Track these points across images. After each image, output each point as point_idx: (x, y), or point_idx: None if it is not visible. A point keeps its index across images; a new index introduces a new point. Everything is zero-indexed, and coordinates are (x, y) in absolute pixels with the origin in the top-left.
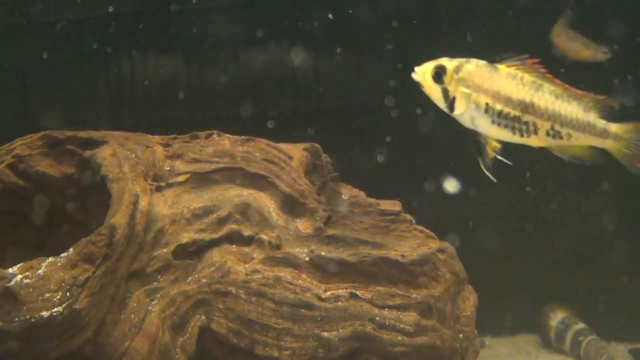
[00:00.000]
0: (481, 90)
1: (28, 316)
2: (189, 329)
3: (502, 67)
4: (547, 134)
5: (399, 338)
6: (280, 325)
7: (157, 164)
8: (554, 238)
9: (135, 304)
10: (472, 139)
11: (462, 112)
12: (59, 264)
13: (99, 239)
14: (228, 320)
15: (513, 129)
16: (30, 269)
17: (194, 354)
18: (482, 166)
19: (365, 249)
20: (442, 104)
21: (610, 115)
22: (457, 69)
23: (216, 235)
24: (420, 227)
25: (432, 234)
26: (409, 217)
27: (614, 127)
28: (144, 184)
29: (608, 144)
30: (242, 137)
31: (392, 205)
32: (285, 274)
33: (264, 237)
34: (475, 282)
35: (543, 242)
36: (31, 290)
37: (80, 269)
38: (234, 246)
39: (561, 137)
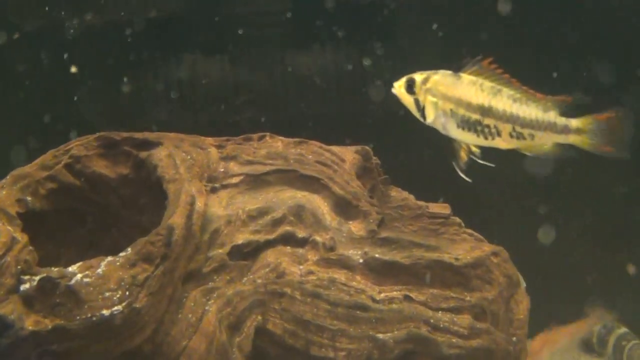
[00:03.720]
0: (446, 98)
1: (90, 314)
2: (245, 329)
3: (465, 76)
4: (511, 135)
5: (454, 340)
6: (336, 326)
7: (212, 165)
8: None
9: (192, 304)
10: (447, 144)
11: (432, 119)
12: (118, 263)
13: (158, 239)
14: (284, 321)
15: (476, 131)
16: (89, 268)
17: (250, 353)
18: (456, 168)
19: (418, 252)
20: (416, 113)
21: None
22: (425, 81)
23: (271, 237)
24: (470, 231)
25: (481, 237)
26: (458, 220)
27: (575, 123)
28: (200, 185)
29: (572, 139)
30: (295, 139)
31: (442, 208)
32: (340, 275)
33: (318, 238)
34: None
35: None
36: (91, 289)
37: (139, 269)
38: (289, 247)
39: (524, 138)
